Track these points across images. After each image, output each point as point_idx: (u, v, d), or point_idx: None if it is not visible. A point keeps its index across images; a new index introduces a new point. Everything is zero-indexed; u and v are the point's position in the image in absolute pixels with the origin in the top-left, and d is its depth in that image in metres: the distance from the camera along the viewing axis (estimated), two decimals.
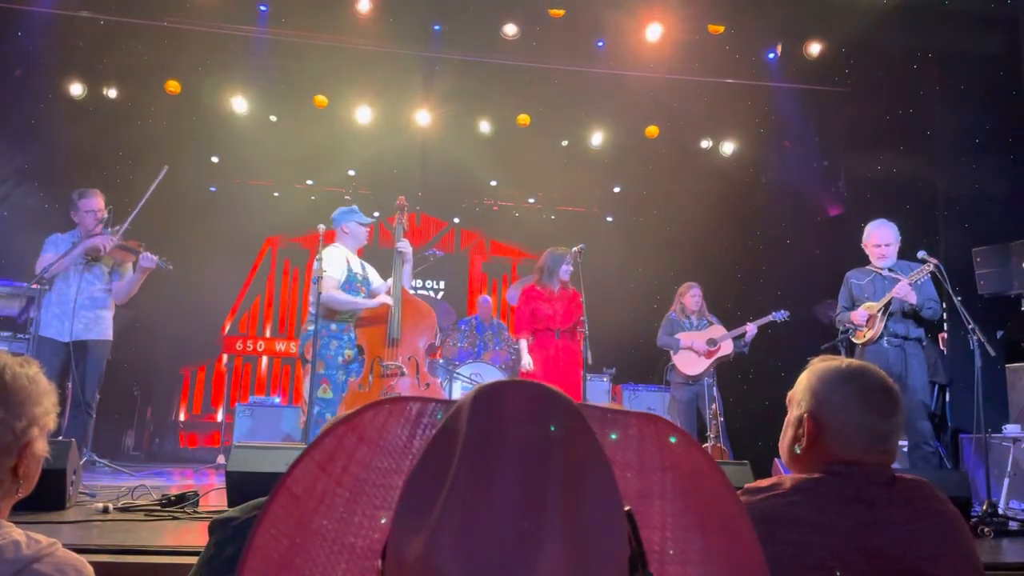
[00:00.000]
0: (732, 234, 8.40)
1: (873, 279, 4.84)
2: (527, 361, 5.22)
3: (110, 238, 4.76)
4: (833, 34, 6.88)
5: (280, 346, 9.78)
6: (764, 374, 7.18)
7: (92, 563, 1.20)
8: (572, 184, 9.62)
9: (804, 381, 1.46)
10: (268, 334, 9.86)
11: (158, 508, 3.29)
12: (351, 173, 9.32)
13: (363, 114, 8.10)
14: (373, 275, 4.91)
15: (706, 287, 6.55)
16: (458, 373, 6.83)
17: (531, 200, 10.26)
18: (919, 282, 4.64)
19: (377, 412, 0.66)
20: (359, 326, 4.57)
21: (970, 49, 6.48)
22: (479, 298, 8.34)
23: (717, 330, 6.32)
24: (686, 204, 8.63)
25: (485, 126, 8.39)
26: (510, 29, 6.99)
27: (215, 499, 3.85)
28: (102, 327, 4.89)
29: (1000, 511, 3.94)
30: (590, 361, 5.03)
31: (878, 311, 4.69)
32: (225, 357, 9.55)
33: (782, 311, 6.30)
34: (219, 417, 8.97)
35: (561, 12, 6.79)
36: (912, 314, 4.66)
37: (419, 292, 9.41)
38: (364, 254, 5.15)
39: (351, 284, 4.67)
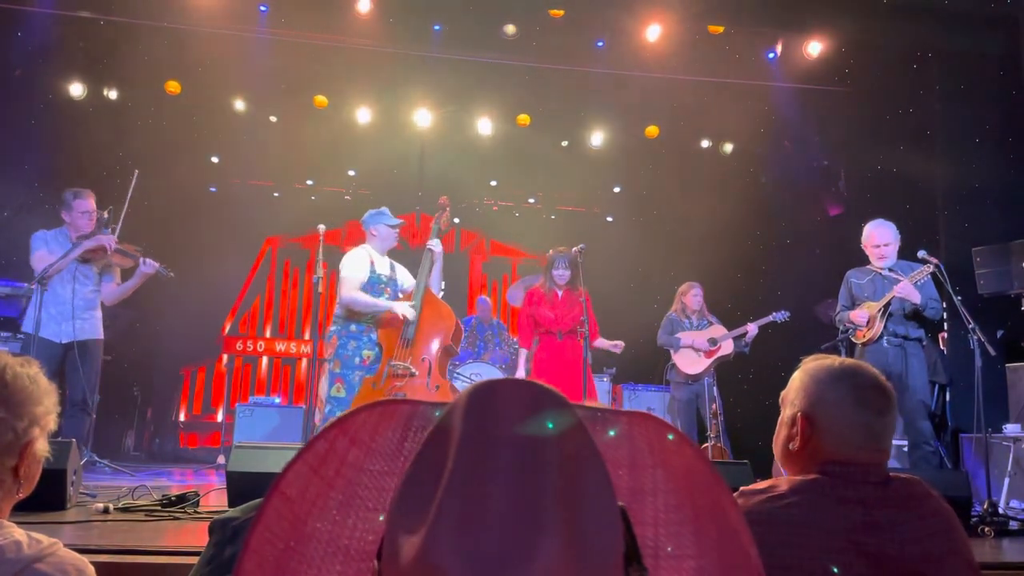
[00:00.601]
0: (732, 234, 8.40)
1: (873, 278, 4.84)
2: (521, 373, 5.22)
3: (113, 239, 4.76)
4: (833, 34, 6.88)
5: (280, 346, 9.78)
6: (764, 374, 7.18)
7: (93, 563, 1.20)
8: (572, 184, 9.62)
9: (797, 380, 1.46)
10: (268, 334, 9.86)
11: (158, 508, 3.29)
12: (351, 173, 9.32)
13: (363, 114, 8.10)
14: (403, 275, 4.87)
15: (706, 287, 6.55)
16: (458, 373, 6.84)
17: (531, 200, 10.26)
18: (920, 282, 4.63)
19: (368, 415, 0.66)
20: (380, 326, 4.57)
21: (970, 49, 6.49)
22: (478, 299, 8.34)
23: (718, 330, 6.32)
24: (686, 204, 8.64)
25: (485, 126, 8.39)
26: (510, 29, 6.99)
27: (215, 499, 3.85)
28: (96, 327, 4.89)
29: (1000, 511, 3.94)
30: (590, 361, 5.03)
31: (878, 311, 4.69)
32: (225, 357, 9.55)
33: (783, 311, 6.30)
34: (219, 417, 8.97)
35: (561, 12, 6.80)
36: (914, 314, 4.65)
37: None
38: None
39: (374, 285, 4.67)
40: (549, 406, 0.61)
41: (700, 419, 6.25)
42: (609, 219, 10.20)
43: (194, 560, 1.02)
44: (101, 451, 5.81)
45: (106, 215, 4.82)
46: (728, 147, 8.68)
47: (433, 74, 7.63)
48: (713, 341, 6.25)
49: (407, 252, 5.09)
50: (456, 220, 10.37)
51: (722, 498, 0.66)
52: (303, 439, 4.72)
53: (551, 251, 5.45)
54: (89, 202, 4.80)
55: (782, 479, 1.39)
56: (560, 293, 5.31)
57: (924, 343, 4.79)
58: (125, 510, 3.27)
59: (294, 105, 8.04)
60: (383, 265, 4.79)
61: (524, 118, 8.34)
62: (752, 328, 6.21)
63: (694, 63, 7.19)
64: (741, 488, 1.38)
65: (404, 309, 4.48)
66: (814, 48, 7.07)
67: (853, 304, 4.89)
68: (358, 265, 4.64)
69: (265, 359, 9.74)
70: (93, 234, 4.76)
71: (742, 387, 7.28)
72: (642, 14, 6.83)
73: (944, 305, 4.90)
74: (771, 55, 7.42)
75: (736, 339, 6.27)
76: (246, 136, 8.19)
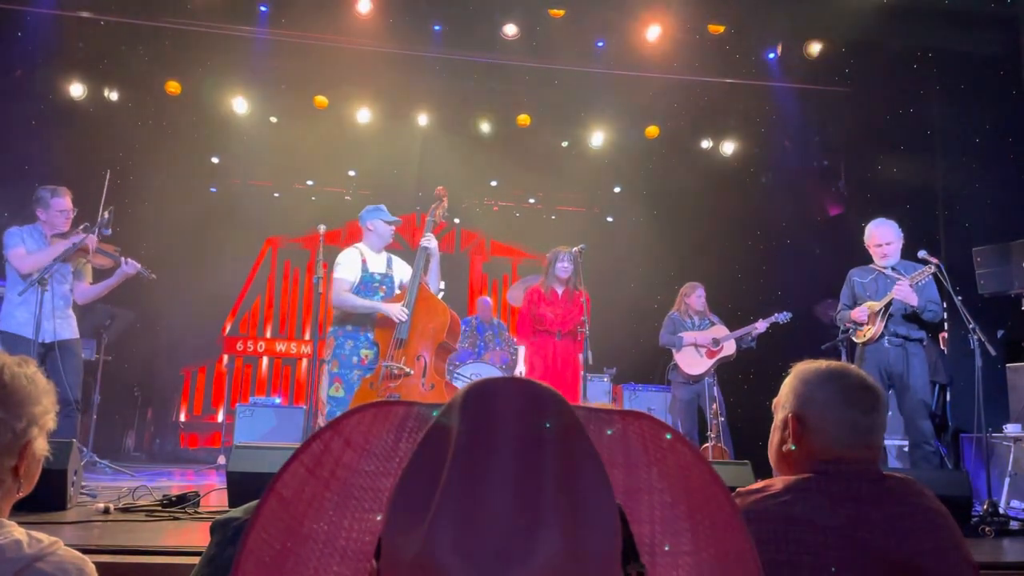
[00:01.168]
0: (732, 234, 8.41)
1: (876, 277, 4.83)
2: (520, 370, 5.22)
3: (95, 239, 4.70)
4: (833, 34, 6.88)
5: (281, 347, 9.78)
6: (765, 374, 7.17)
7: (93, 564, 1.20)
8: (572, 184, 9.62)
9: (787, 385, 1.51)
10: (268, 335, 9.86)
11: (159, 508, 3.29)
12: (351, 173, 9.33)
13: (363, 114, 8.11)
14: (401, 271, 4.82)
15: (706, 287, 6.55)
16: (458, 373, 6.83)
17: (531, 200, 10.26)
18: (921, 283, 4.62)
19: (362, 416, 0.67)
20: (377, 326, 4.57)
21: (970, 49, 6.48)
22: (479, 299, 8.34)
23: (720, 330, 6.33)
24: (686, 204, 8.64)
25: (485, 126, 8.40)
26: (510, 29, 6.99)
27: (216, 499, 3.86)
28: (73, 326, 4.82)
29: (1001, 511, 3.94)
30: (590, 361, 5.03)
31: (879, 310, 4.69)
32: (226, 358, 9.55)
33: (785, 312, 6.30)
34: (220, 418, 8.98)
35: (561, 12, 6.80)
36: (913, 316, 4.65)
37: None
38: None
39: (367, 284, 4.65)
40: (546, 404, 0.61)
41: (701, 419, 6.25)
42: (609, 219, 10.21)
43: (194, 560, 1.02)
44: (101, 451, 5.82)
45: (106, 215, 4.80)
46: (728, 147, 8.68)
47: (433, 74, 7.63)
48: (716, 341, 6.25)
49: (408, 253, 5.07)
50: (456, 220, 10.39)
51: (718, 494, 0.67)
52: (304, 439, 4.70)
53: (553, 249, 5.44)
54: (66, 200, 4.74)
55: (777, 479, 1.42)
56: (560, 292, 5.29)
57: (925, 343, 4.79)
58: (125, 510, 3.27)
59: (294, 105, 8.05)
60: (378, 263, 4.76)
61: (524, 118, 8.35)
62: (760, 325, 6.23)
63: (694, 63, 7.19)
64: (737, 489, 1.40)
65: (395, 311, 4.43)
66: (814, 48, 7.07)
67: (855, 303, 4.88)
68: (348, 267, 4.62)
69: (265, 359, 9.74)
70: (71, 233, 4.70)
71: (743, 387, 7.28)
72: (642, 14, 6.83)
73: (944, 306, 4.90)
74: (771, 55, 7.42)
75: (739, 337, 6.28)
76: (246, 136, 8.19)
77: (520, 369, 5.23)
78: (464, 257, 10.49)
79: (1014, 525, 3.74)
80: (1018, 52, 6.09)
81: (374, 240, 4.79)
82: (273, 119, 8.26)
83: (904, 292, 4.55)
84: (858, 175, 7.84)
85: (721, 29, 6.97)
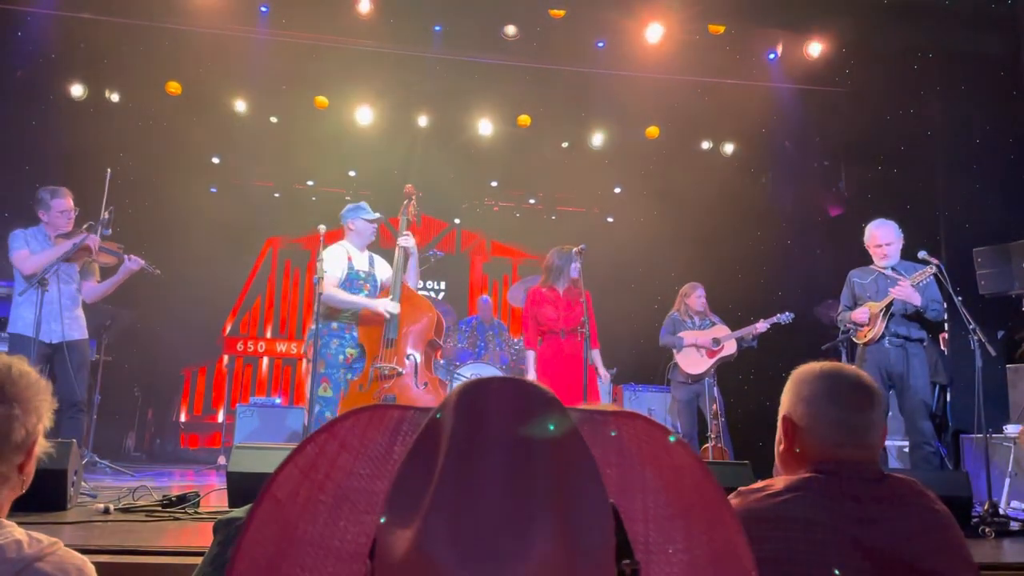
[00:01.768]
0: (733, 235, 8.40)
1: (876, 278, 4.83)
2: (532, 376, 5.16)
3: (97, 239, 4.72)
4: (833, 34, 6.88)
5: (281, 347, 9.79)
6: (765, 374, 7.18)
7: (93, 564, 1.20)
8: (573, 185, 9.63)
9: (785, 387, 1.52)
10: (269, 335, 9.86)
11: (159, 509, 3.29)
12: (352, 174, 9.33)
13: (363, 115, 8.10)
14: (383, 270, 4.83)
15: (707, 288, 6.55)
16: (459, 373, 6.84)
17: (532, 201, 10.26)
18: (922, 283, 4.62)
19: (357, 419, 0.67)
20: (360, 324, 4.56)
21: (970, 49, 6.49)
22: (479, 299, 8.34)
23: (721, 330, 6.32)
24: (686, 205, 8.63)
25: (485, 127, 8.40)
26: (510, 30, 7.00)
27: (216, 500, 3.86)
28: (82, 326, 4.85)
29: (1001, 511, 3.94)
30: (591, 362, 5.02)
31: (879, 311, 4.68)
32: (226, 358, 9.55)
33: (787, 313, 6.29)
34: (220, 418, 8.98)
35: (561, 13, 6.80)
36: (916, 316, 4.65)
37: (419, 293, 9.41)
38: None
39: (352, 282, 4.65)
40: (539, 404, 0.62)
41: (701, 419, 6.25)
42: (610, 219, 10.21)
43: (194, 561, 1.02)
44: (101, 451, 5.82)
45: (107, 216, 4.80)
46: (729, 148, 8.68)
47: (434, 75, 7.63)
48: (716, 341, 6.25)
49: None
50: (457, 221, 10.41)
51: (712, 493, 0.67)
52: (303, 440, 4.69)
53: (555, 249, 5.39)
54: (67, 201, 4.76)
55: (778, 478, 1.42)
56: (561, 292, 5.27)
57: (925, 344, 4.79)
58: (126, 510, 3.28)
59: (295, 106, 8.05)
60: (361, 261, 4.76)
61: (525, 119, 8.35)
62: (761, 325, 6.22)
63: (694, 64, 7.19)
64: (738, 488, 1.40)
65: (387, 306, 4.45)
66: (814, 48, 7.07)
67: (855, 304, 4.88)
68: (335, 262, 4.61)
69: (266, 359, 9.75)
70: (74, 233, 4.72)
71: (743, 388, 7.28)
72: (642, 14, 6.83)
73: (945, 306, 4.90)
74: (772, 55, 7.43)
75: (740, 337, 6.28)
76: (247, 136, 8.20)
77: (532, 374, 5.17)
78: (464, 257, 10.49)
79: (1014, 526, 3.74)
80: (1018, 52, 6.10)
81: (356, 239, 4.79)
82: (273, 119, 8.26)
83: (906, 292, 4.55)
84: (858, 176, 7.84)
85: (721, 29, 6.97)
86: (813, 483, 1.35)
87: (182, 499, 3.35)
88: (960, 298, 4.50)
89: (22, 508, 1.33)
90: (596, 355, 5.24)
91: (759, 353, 6.50)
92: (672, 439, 0.68)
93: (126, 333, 7.33)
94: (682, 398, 6.32)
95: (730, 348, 6.25)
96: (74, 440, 3.41)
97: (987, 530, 3.49)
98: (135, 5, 6.68)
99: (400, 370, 4.34)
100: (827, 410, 1.40)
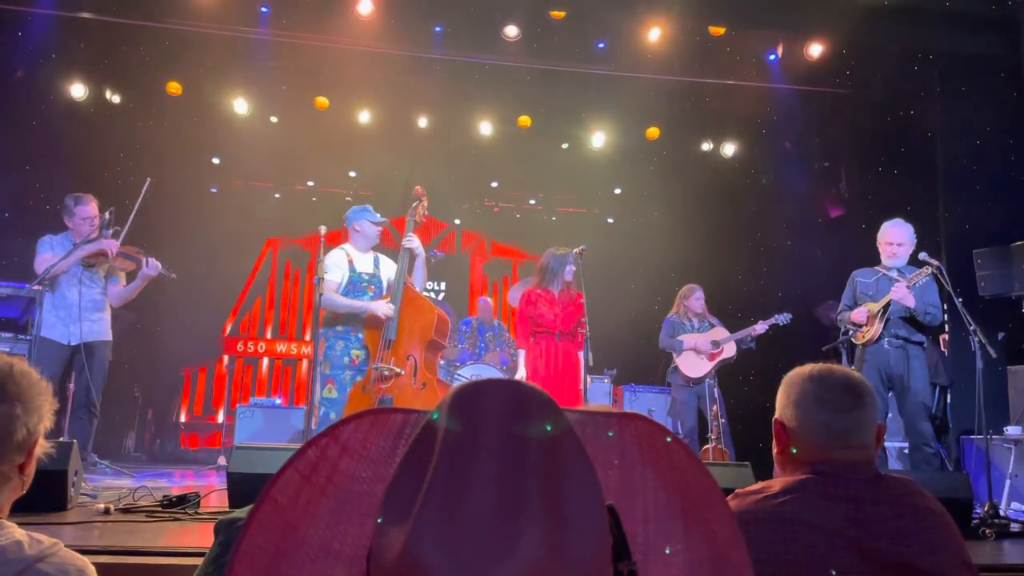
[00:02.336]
0: (733, 236, 8.40)
1: (879, 279, 4.82)
2: (521, 374, 5.16)
3: (115, 243, 4.79)
4: (833, 35, 6.88)
5: (281, 347, 9.79)
6: (765, 375, 7.17)
7: (93, 564, 1.20)
8: (573, 185, 9.63)
9: (778, 391, 1.53)
10: (269, 335, 9.86)
11: (159, 509, 3.29)
12: (352, 174, 9.33)
13: (364, 115, 8.11)
14: (388, 270, 4.81)
15: (707, 289, 6.55)
16: (459, 374, 6.84)
17: (532, 201, 10.26)
18: (918, 284, 4.62)
19: (359, 423, 0.68)
20: (366, 327, 4.56)
21: (971, 50, 6.49)
22: (479, 300, 8.34)
23: (720, 332, 6.31)
24: (687, 205, 8.64)
25: (486, 127, 8.40)
26: (511, 30, 6.99)
27: (216, 500, 3.85)
28: (104, 328, 4.96)
29: (1001, 513, 3.94)
30: (591, 363, 5.01)
31: (878, 311, 4.68)
32: (226, 358, 9.55)
33: (785, 314, 6.29)
34: (220, 418, 8.97)
35: (562, 13, 6.80)
36: (911, 319, 4.65)
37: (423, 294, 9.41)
38: None
39: (355, 285, 4.65)
40: (533, 405, 0.62)
41: (702, 421, 6.25)
42: (610, 220, 10.21)
43: (195, 561, 1.02)
44: (102, 452, 5.81)
45: (107, 216, 4.83)
46: (729, 149, 8.68)
47: (434, 75, 7.63)
48: (716, 344, 6.24)
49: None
50: (457, 221, 10.40)
51: (711, 495, 0.68)
52: (304, 440, 4.70)
53: (550, 250, 5.36)
54: (91, 207, 4.84)
55: (776, 480, 1.43)
56: (556, 294, 5.24)
57: (925, 345, 4.78)
58: (126, 511, 3.27)
59: (295, 106, 8.05)
60: (365, 263, 4.75)
61: (525, 119, 8.34)
62: (760, 326, 6.22)
63: (695, 64, 7.19)
64: (736, 490, 1.41)
65: (383, 308, 4.45)
66: (815, 49, 7.07)
67: (855, 304, 4.88)
68: (334, 267, 4.62)
69: (266, 360, 9.74)
70: (95, 238, 4.79)
71: (743, 389, 7.27)
72: (643, 15, 6.83)
73: (945, 308, 4.90)
74: (772, 56, 7.42)
75: (739, 339, 6.28)
76: (247, 137, 8.19)
77: (521, 374, 5.16)
78: (464, 258, 10.49)
79: (1015, 527, 3.74)
80: (1018, 53, 6.10)
81: (360, 241, 4.79)
82: (274, 119, 8.26)
83: (901, 293, 4.55)
84: (859, 177, 7.84)
85: (722, 30, 6.96)
86: (810, 484, 1.36)
87: (182, 500, 3.35)
88: (960, 299, 4.51)
89: (22, 509, 1.32)
90: (581, 355, 5.23)
91: (760, 354, 6.50)
92: (674, 441, 0.68)
93: (126, 333, 7.32)
94: (682, 399, 6.31)
95: (730, 350, 6.25)
96: (74, 441, 3.41)
97: (987, 532, 3.49)
98: (135, 5, 6.68)
99: (399, 371, 4.34)
100: (814, 413, 1.41)
